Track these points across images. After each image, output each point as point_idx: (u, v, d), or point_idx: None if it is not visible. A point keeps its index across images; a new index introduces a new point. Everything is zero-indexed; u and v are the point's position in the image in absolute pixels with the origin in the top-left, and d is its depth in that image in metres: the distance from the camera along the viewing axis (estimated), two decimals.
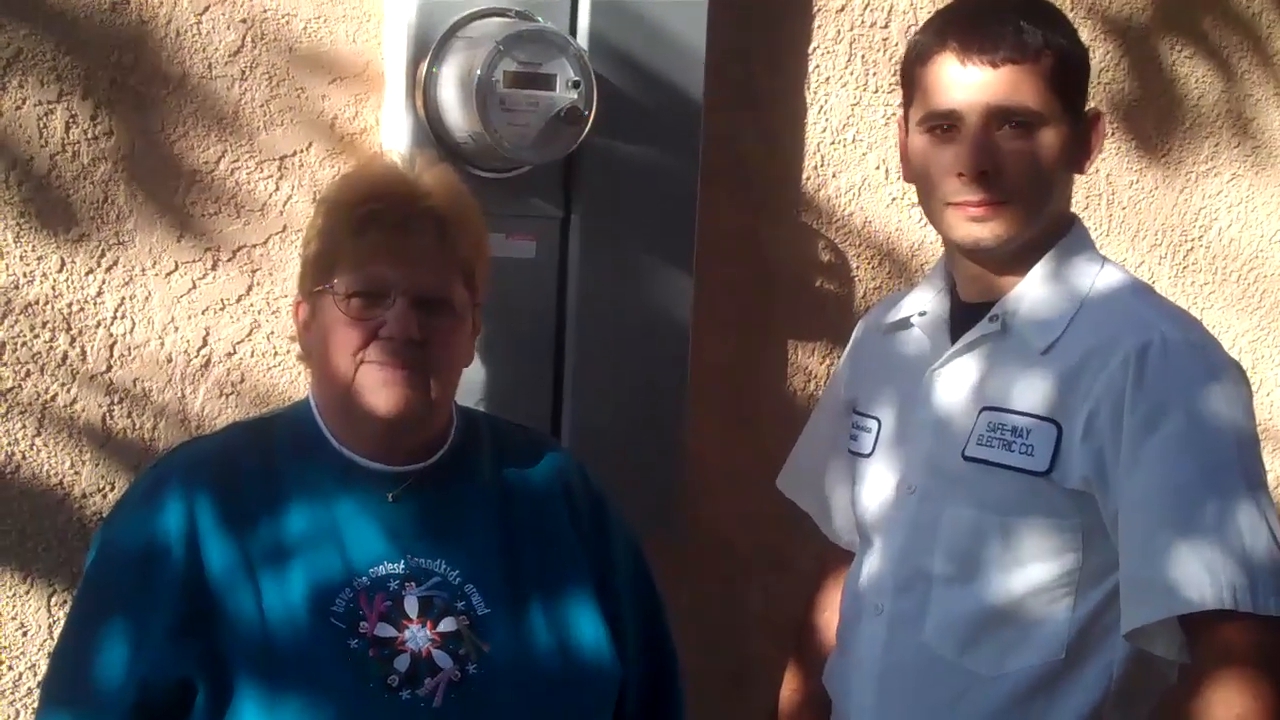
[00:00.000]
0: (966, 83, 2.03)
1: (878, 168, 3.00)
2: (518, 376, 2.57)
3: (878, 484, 2.22)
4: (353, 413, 1.93)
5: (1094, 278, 2.09)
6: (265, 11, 2.45)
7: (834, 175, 2.97)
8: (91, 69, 2.35)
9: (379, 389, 1.89)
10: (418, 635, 1.86)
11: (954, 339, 2.15)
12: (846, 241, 3.00)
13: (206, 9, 2.41)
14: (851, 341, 2.45)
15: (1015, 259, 2.09)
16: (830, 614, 2.40)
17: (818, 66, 2.92)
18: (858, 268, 3.01)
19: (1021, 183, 2.03)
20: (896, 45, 2.98)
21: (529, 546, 2.00)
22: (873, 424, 2.25)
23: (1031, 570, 2.01)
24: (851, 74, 2.95)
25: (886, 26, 2.97)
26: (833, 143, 2.96)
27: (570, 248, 2.60)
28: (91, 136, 2.36)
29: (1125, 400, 1.94)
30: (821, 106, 2.94)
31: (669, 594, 2.20)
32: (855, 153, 2.98)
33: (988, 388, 2.07)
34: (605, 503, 2.12)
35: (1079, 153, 2.09)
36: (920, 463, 2.13)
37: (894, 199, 3.02)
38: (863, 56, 2.96)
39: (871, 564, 2.20)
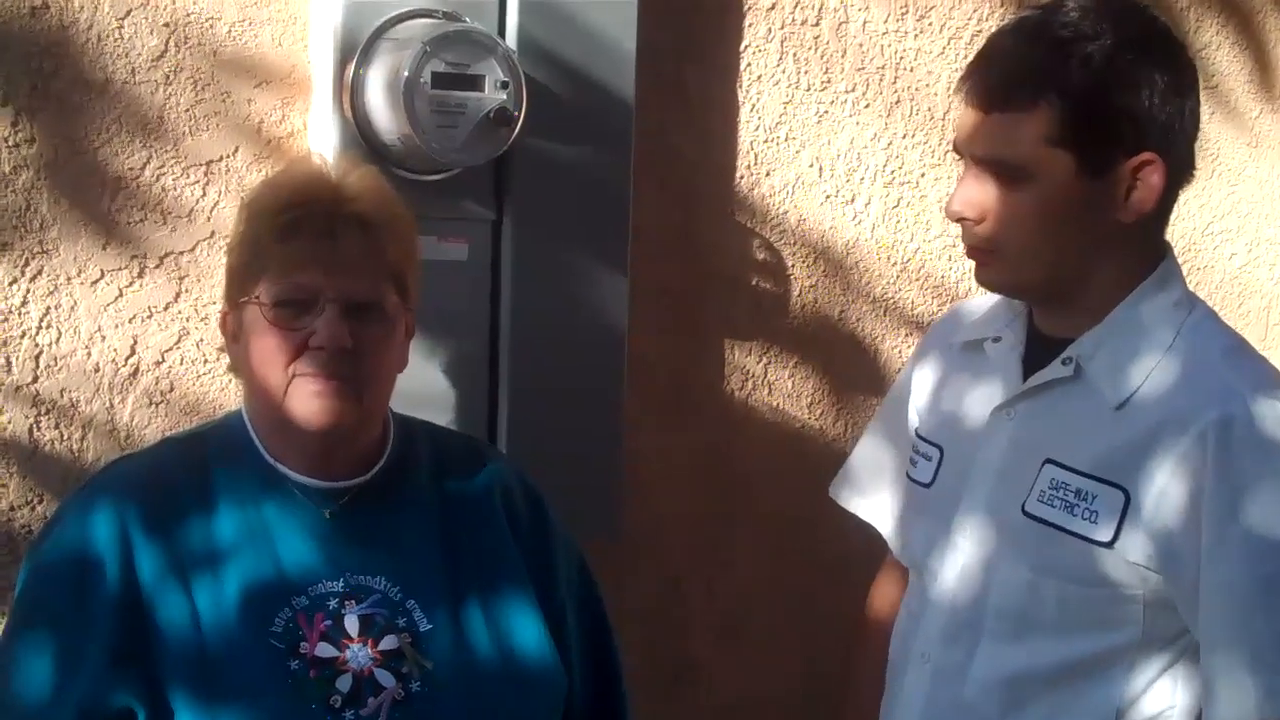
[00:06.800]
0: (963, 124, 1.92)
1: (811, 165, 2.99)
2: (452, 381, 2.55)
3: (933, 520, 2.07)
4: (286, 426, 1.88)
5: (1179, 326, 1.92)
6: (189, 15, 2.41)
7: (768, 174, 2.96)
8: (11, 75, 2.30)
9: (310, 401, 1.84)
10: (359, 654, 1.83)
11: (1027, 373, 1.99)
12: (781, 240, 2.99)
13: (129, 13, 2.37)
14: (920, 349, 2.28)
15: (1093, 294, 1.93)
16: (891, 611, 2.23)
17: (749, 65, 2.92)
18: (793, 266, 3.01)
19: (1002, 235, 1.90)
20: (828, 43, 2.97)
21: (470, 558, 1.97)
22: (934, 453, 2.10)
23: (1087, 638, 1.90)
24: (783, 72, 2.95)
25: (818, 24, 2.97)
26: (766, 141, 2.95)
27: (503, 250, 2.58)
28: (13, 144, 2.31)
29: (1206, 480, 1.80)
30: (754, 105, 2.93)
31: (609, 595, 2.18)
32: (788, 151, 2.97)
33: (1053, 438, 1.93)
34: (546, 510, 2.10)
35: (1106, 205, 1.88)
36: (979, 508, 1.99)
37: (828, 196, 3.02)
38: (794, 55, 2.95)
39: (923, 606, 2.07)
